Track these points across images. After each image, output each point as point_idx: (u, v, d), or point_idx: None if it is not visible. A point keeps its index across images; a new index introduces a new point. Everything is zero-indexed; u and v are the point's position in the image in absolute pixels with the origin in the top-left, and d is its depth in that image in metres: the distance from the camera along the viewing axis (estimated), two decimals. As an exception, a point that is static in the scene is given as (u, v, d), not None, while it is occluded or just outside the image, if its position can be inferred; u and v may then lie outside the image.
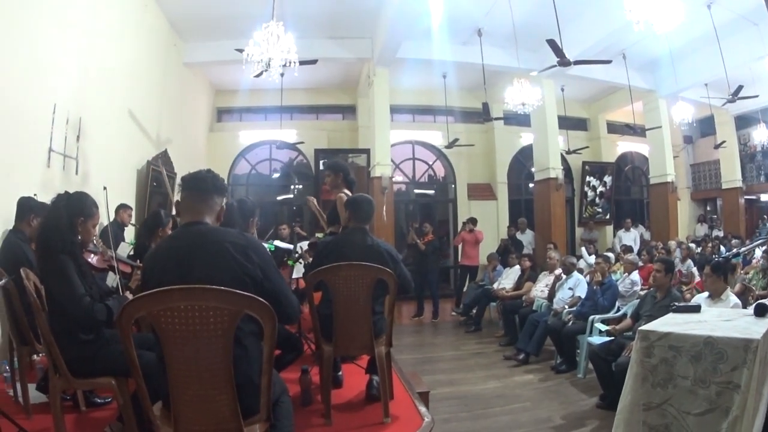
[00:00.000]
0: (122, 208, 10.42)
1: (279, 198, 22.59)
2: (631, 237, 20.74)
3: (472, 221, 17.87)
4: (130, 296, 5.25)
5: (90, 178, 10.48)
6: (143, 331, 5.56)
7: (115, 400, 5.82)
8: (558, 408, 8.44)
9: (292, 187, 22.90)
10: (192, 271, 3.53)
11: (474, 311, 15.35)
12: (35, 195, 7.79)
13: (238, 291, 3.28)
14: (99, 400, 6.19)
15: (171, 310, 3.22)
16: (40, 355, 6.34)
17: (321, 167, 20.10)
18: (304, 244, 8.88)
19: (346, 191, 8.24)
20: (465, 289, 17.66)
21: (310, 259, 7.35)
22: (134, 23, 12.82)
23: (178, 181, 14.42)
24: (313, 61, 13.22)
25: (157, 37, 14.66)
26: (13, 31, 8.01)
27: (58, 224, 4.86)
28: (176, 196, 14.15)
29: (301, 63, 11.51)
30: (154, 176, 13.89)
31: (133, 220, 11.26)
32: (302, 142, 21.28)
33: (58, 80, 9.26)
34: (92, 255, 6.00)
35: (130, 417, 4.48)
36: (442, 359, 11.85)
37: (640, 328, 5.22)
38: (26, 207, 7.23)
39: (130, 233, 11.02)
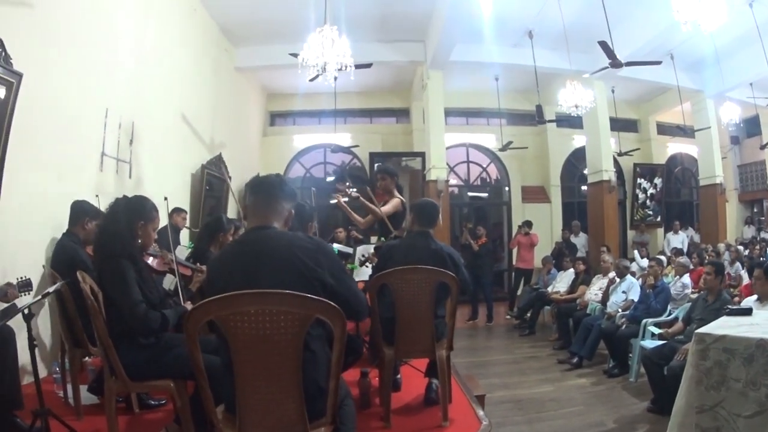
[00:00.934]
0: (176, 211, 10.44)
1: (333, 201, 22.11)
2: (679, 239, 20.54)
3: (528, 224, 17.82)
4: (189, 304, 5.27)
5: (144, 181, 10.56)
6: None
7: (170, 403, 6.00)
8: (610, 412, 8.41)
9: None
10: (261, 276, 3.50)
11: (528, 315, 15.29)
12: (96, 197, 7.98)
13: (309, 295, 3.26)
14: (153, 402, 6.25)
15: (241, 314, 3.21)
16: (91, 357, 6.42)
17: (375, 170, 20.07)
18: (369, 248, 8.90)
19: (399, 196, 8.43)
20: (519, 292, 17.58)
21: (374, 261, 7.33)
22: (183, 29, 12.92)
23: (233, 185, 14.79)
24: (368, 65, 13.19)
25: (207, 42, 14.74)
26: (68, 39, 8.11)
27: (117, 228, 4.88)
28: (232, 199, 14.36)
29: (357, 67, 11.40)
30: (209, 180, 13.94)
31: (187, 223, 11.40)
32: (357, 146, 21.21)
33: (111, 86, 9.34)
34: (151, 258, 5.91)
35: (187, 419, 4.53)
36: (497, 363, 11.84)
37: (696, 331, 5.23)
38: (80, 210, 7.26)
39: (184, 236, 11.15)
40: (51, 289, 4.97)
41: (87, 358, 6.49)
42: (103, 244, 4.89)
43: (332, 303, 3.28)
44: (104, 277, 4.75)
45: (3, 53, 6.40)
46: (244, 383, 3.36)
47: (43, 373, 7.12)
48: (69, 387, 6.33)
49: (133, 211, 5.07)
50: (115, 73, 9.55)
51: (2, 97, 6.57)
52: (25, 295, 5.61)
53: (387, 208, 8.49)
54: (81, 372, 6.34)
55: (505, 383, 10.01)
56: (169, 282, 5.98)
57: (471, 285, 6.49)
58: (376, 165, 20.11)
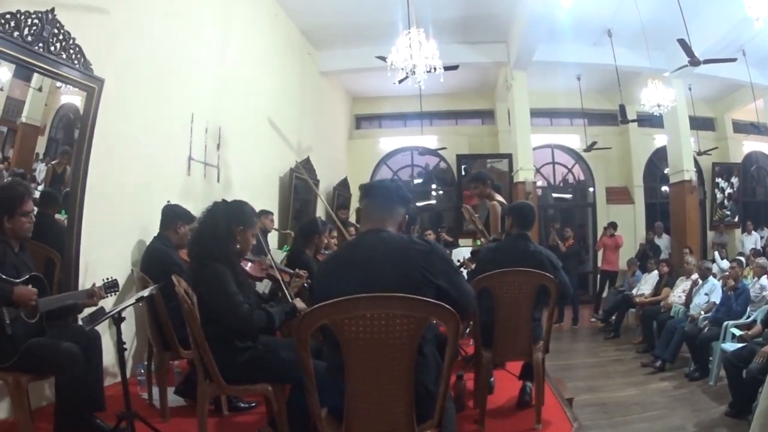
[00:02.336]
0: (264, 214, 10.16)
1: (420, 204, 22.28)
2: (752, 240, 20.07)
3: (613, 226, 17.70)
4: (298, 301, 5.25)
5: (232, 185, 10.62)
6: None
7: (261, 405, 6.03)
8: (689, 416, 8.32)
9: (433, 192, 22.86)
10: (376, 279, 3.45)
11: (613, 317, 15.16)
12: (217, 201, 8.00)
13: (425, 298, 3.24)
14: (243, 405, 6.28)
15: (356, 318, 3.18)
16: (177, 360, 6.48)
17: (463, 173, 20.25)
18: (462, 251, 8.84)
19: (499, 198, 8.36)
20: (604, 294, 17.45)
21: (473, 266, 7.30)
22: (265, 34, 12.98)
23: (321, 188, 15.07)
24: (455, 67, 13.07)
25: (290, 47, 14.79)
26: (149, 44, 8.16)
27: (215, 232, 4.87)
28: (321, 202, 14.49)
29: (445, 68, 11.42)
30: (297, 183, 14.02)
31: (276, 225, 11.39)
32: (444, 148, 21.17)
33: (195, 91, 9.43)
34: (248, 263, 5.97)
35: (284, 423, 4.48)
36: (582, 366, 11.79)
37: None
38: (173, 214, 7.22)
39: (272, 238, 11.22)
40: (146, 293, 5.02)
41: (173, 361, 6.51)
42: (201, 248, 4.91)
43: (447, 306, 3.23)
44: (202, 281, 4.76)
45: (82, 59, 6.44)
46: (355, 387, 3.34)
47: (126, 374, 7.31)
48: (153, 389, 6.43)
49: (232, 215, 5.07)
50: (200, 78, 9.67)
51: (84, 102, 6.67)
52: (111, 296, 5.61)
53: (495, 225, 8.40)
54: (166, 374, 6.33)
55: (591, 386, 9.96)
56: (262, 287, 5.97)
57: (571, 288, 6.48)
58: (462, 167, 20.32)
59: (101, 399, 5.21)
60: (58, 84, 6.49)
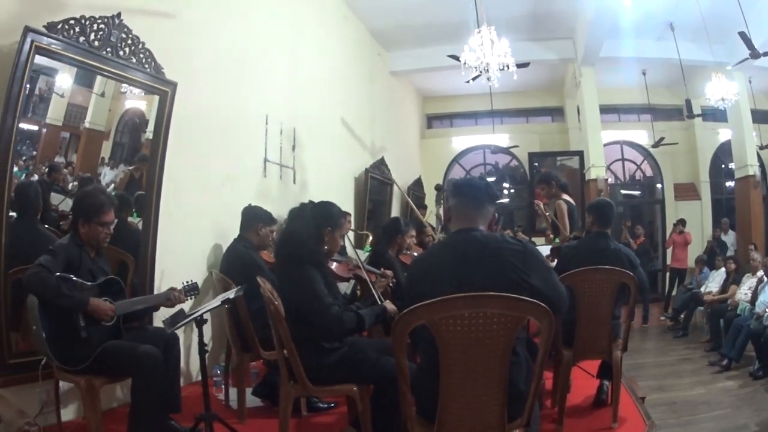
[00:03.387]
0: (344, 216, 10.29)
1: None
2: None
3: (682, 223, 17.58)
4: (388, 303, 5.20)
5: (308, 186, 10.70)
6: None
7: (341, 406, 6.11)
8: (753, 415, 8.31)
9: (505, 191, 22.81)
10: (472, 278, 3.44)
11: (682, 316, 15.04)
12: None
13: (522, 297, 3.21)
14: (322, 405, 6.28)
15: (454, 318, 3.15)
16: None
17: (535, 171, 20.25)
18: (540, 249, 8.84)
19: (566, 197, 8.41)
20: (673, 293, 17.27)
21: (553, 264, 7.12)
22: (336, 36, 12.99)
23: (395, 188, 15.21)
24: (526, 64, 13.05)
25: (360, 48, 14.83)
26: (225, 51, 8.26)
27: (303, 234, 4.87)
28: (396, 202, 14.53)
29: (518, 66, 11.39)
30: (372, 183, 14.10)
31: (352, 226, 11.43)
32: (516, 146, 21.24)
33: (269, 93, 9.48)
34: (335, 263, 5.92)
35: (367, 423, 4.50)
36: (652, 365, 11.72)
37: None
38: (254, 216, 7.28)
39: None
40: (232, 294, 5.03)
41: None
42: (290, 250, 4.92)
43: (542, 304, 3.21)
44: (290, 283, 4.78)
45: (153, 63, 6.50)
46: (450, 387, 3.32)
47: (200, 376, 7.37)
48: (229, 390, 6.54)
49: (321, 217, 5.10)
50: (273, 81, 9.74)
51: (157, 106, 6.74)
52: (191, 299, 5.64)
53: (564, 223, 8.48)
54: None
55: (661, 385, 9.92)
56: (345, 288, 5.97)
57: (647, 286, 6.44)
58: (534, 165, 20.39)
59: (178, 401, 5.26)
60: (123, 89, 6.57)
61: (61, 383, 5.05)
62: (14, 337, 5.15)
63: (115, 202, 5.25)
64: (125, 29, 6.14)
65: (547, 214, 8.96)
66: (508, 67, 11.16)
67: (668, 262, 18.51)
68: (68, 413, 5.55)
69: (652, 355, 12.64)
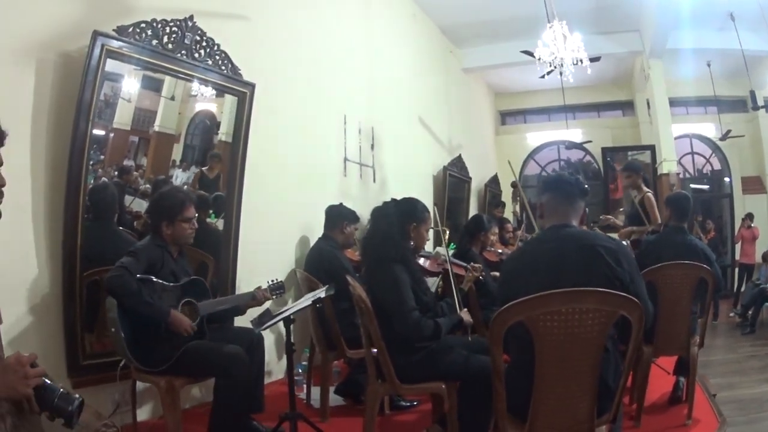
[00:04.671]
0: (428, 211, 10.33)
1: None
2: None
3: (750, 217, 17.42)
4: (465, 313, 5.18)
5: (387, 184, 10.80)
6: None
7: (424, 404, 6.10)
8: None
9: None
10: (566, 275, 3.49)
11: (750, 312, 14.74)
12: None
13: (615, 292, 3.25)
14: (405, 404, 6.27)
15: (551, 313, 3.19)
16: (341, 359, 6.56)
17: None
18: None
19: (647, 189, 8.38)
20: (742, 289, 17.07)
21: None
22: (407, 34, 13.02)
23: (473, 185, 15.52)
24: (597, 58, 12.97)
25: (432, 45, 14.85)
26: (300, 51, 8.37)
27: (389, 232, 4.92)
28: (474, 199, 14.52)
29: (591, 60, 11.45)
30: (450, 181, 14.12)
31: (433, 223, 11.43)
32: (590, 141, 21.13)
33: (346, 93, 9.61)
34: (423, 259, 6.04)
35: (454, 420, 4.48)
36: (721, 362, 11.51)
37: None
38: (338, 215, 7.34)
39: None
40: (322, 294, 5.00)
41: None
42: (375, 248, 4.97)
43: (634, 299, 3.24)
44: (377, 282, 4.81)
45: (230, 65, 6.57)
46: (544, 382, 3.33)
47: (279, 375, 7.43)
48: (311, 389, 6.56)
49: (405, 213, 5.14)
50: (348, 81, 9.83)
51: (236, 107, 6.83)
52: (276, 298, 5.67)
53: (655, 216, 8.35)
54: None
55: (729, 383, 9.59)
56: (431, 284, 5.91)
57: (723, 281, 6.35)
58: (607, 159, 20.40)
59: (261, 401, 5.26)
60: (193, 92, 6.63)
61: (138, 383, 5.09)
62: (88, 339, 5.19)
63: (193, 198, 5.35)
64: (199, 31, 6.20)
65: (624, 231, 8.93)
66: (581, 61, 11.17)
67: (737, 257, 18.25)
68: (142, 413, 5.61)
69: (721, 352, 12.43)
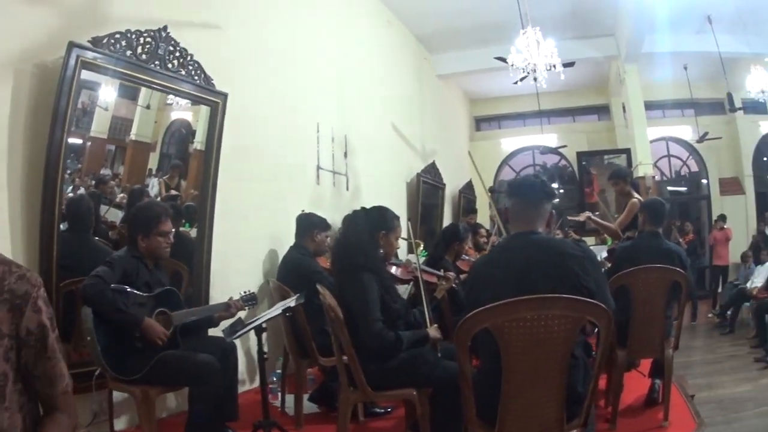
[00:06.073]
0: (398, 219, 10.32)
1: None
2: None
3: (722, 218, 17.51)
4: (434, 329, 5.02)
5: (361, 192, 10.82)
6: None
7: (397, 410, 6.13)
8: (799, 410, 8.27)
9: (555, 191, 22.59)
10: (534, 282, 3.44)
11: (729, 312, 14.83)
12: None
13: (582, 298, 3.26)
14: (379, 410, 6.28)
15: (517, 320, 3.19)
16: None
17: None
18: (598, 251, 8.80)
19: (637, 195, 8.33)
20: (719, 290, 17.15)
21: (608, 265, 7.31)
22: (381, 42, 13.07)
23: (447, 191, 15.65)
24: (572, 63, 13.04)
25: (406, 52, 14.91)
26: (274, 60, 8.39)
27: (358, 240, 4.93)
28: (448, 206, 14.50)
29: (564, 65, 11.48)
30: (424, 188, 14.15)
31: (404, 233, 11.41)
32: (565, 146, 21.34)
33: (319, 101, 9.61)
34: (395, 267, 6.04)
35: (427, 426, 4.49)
36: (700, 363, 11.61)
37: None
38: (309, 223, 7.36)
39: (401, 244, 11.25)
40: (292, 303, 5.07)
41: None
42: (344, 256, 4.96)
43: (602, 305, 3.27)
44: (346, 289, 4.81)
45: (203, 75, 6.58)
46: (511, 389, 3.35)
47: (254, 383, 7.39)
48: (285, 397, 6.58)
49: (374, 221, 5.16)
50: (321, 89, 9.85)
51: (209, 117, 6.84)
52: (249, 308, 5.74)
53: (622, 218, 8.43)
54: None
55: (709, 383, 9.81)
56: (402, 291, 5.89)
57: (695, 289, 6.44)
58: (582, 164, 20.58)
59: (235, 409, 5.30)
60: (168, 101, 6.66)
61: (114, 393, 5.10)
62: (66, 349, 5.08)
63: (170, 212, 5.35)
64: (172, 42, 6.22)
65: (596, 214, 8.99)
66: (554, 67, 11.20)
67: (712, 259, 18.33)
68: (120, 423, 5.61)
69: (700, 353, 12.55)
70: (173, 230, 5.29)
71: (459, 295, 6.81)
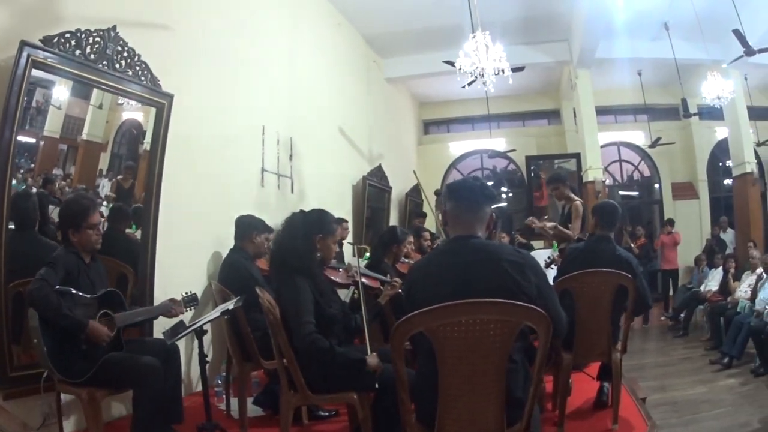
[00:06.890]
0: (337, 222, 10.29)
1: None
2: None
3: (670, 223, 17.59)
4: (374, 357, 4.85)
5: (306, 195, 10.80)
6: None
7: (342, 413, 6.08)
8: (755, 412, 8.34)
9: (503, 195, 22.88)
10: (469, 287, 3.40)
11: (682, 315, 15.03)
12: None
13: (519, 303, 3.24)
14: (323, 413, 6.26)
15: (452, 324, 3.18)
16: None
17: (532, 174, 20.77)
18: (542, 254, 8.83)
19: (577, 198, 8.51)
20: (671, 293, 17.34)
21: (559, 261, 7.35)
22: (330, 44, 13.04)
23: (393, 195, 15.69)
24: (521, 68, 12.89)
25: (355, 55, 14.92)
26: (221, 61, 8.33)
27: (294, 244, 4.90)
28: (394, 210, 14.57)
29: (513, 70, 11.40)
30: (370, 191, 14.21)
31: (350, 237, 11.49)
32: (513, 150, 21.35)
33: (265, 103, 9.57)
34: (334, 270, 5.92)
35: (368, 430, 4.49)
36: (653, 365, 11.75)
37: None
38: (248, 225, 7.29)
39: (348, 249, 11.23)
40: (231, 305, 5.09)
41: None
42: (280, 258, 4.97)
43: (539, 309, 3.23)
44: (281, 291, 4.81)
45: (149, 75, 6.54)
46: (448, 393, 3.35)
47: (201, 386, 7.40)
48: (230, 400, 6.56)
49: (311, 224, 5.11)
50: (268, 91, 9.81)
51: (154, 118, 6.79)
52: (190, 310, 5.71)
53: (576, 225, 8.48)
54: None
55: (662, 385, 9.93)
56: (344, 295, 5.85)
57: (650, 297, 6.44)
58: (531, 168, 20.69)
59: (180, 411, 5.32)
60: (120, 101, 6.60)
61: (63, 395, 5.04)
62: (16, 350, 5.16)
63: (98, 203, 5.42)
64: (121, 42, 6.19)
65: (545, 218, 9.02)
66: (503, 71, 11.17)
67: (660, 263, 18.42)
68: (70, 425, 5.56)
69: (653, 356, 12.66)
70: (102, 221, 5.32)
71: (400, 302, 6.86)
